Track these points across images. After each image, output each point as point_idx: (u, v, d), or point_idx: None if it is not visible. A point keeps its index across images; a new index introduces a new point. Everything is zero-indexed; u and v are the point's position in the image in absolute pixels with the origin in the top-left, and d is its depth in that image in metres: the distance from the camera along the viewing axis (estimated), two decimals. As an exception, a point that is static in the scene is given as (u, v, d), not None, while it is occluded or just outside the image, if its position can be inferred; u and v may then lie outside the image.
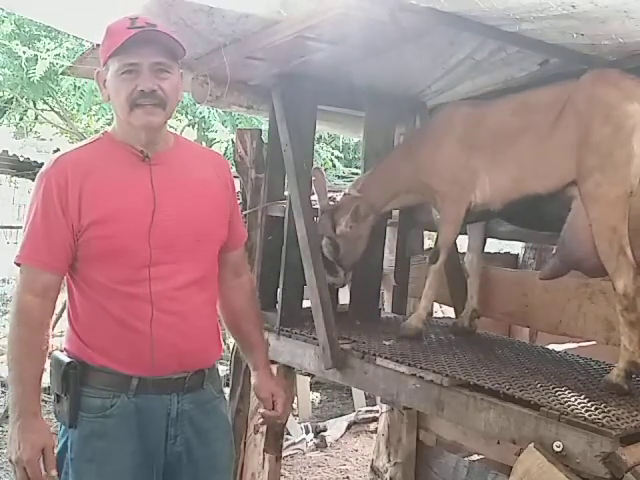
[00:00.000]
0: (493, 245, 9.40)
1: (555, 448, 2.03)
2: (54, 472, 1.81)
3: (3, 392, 5.35)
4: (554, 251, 2.79)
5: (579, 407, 2.13)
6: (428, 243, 5.84)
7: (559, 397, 2.23)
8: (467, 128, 2.86)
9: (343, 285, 3.14)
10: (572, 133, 2.49)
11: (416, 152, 3.01)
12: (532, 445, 2.08)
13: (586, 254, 2.47)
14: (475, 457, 3.66)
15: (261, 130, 3.53)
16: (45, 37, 6.97)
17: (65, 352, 1.93)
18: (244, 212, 3.20)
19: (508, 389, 2.27)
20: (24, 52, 6.66)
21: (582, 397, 2.25)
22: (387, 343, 2.86)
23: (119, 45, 1.79)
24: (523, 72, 2.98)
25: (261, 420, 2.31)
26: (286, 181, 3.15)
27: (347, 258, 3.14)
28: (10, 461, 1.80)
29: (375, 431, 4.66)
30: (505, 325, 4.03)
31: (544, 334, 3.69)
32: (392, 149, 3.39)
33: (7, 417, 5.02)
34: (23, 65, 6.83)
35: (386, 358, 2.64)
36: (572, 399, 2.22)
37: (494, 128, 2.76)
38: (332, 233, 3.09)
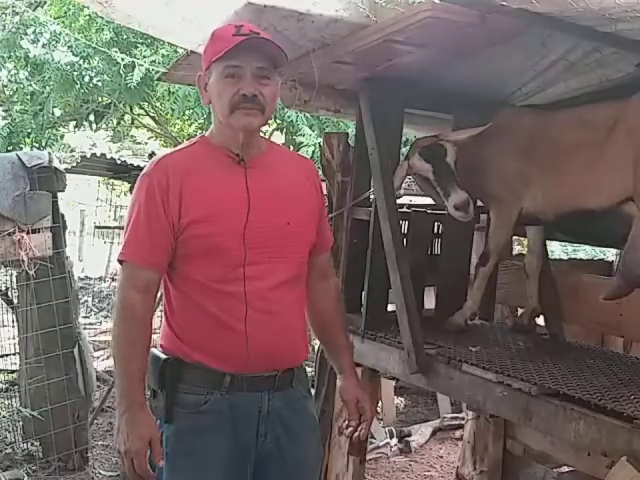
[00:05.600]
0: (586, 251, 9.14)
1: (649, 463, 1.96)
2: (162, 463, 1.85)
3: (99, 386, 5.56)
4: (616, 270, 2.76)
5: (676, 421, 2.05)
6: (518, 249, 5.74)
7: (654, 410, 2.15)
8: (529, 136, 2.89)
9: (471, 213, 2.86)
10: (625, 151, 2.50)
11: (475, 152, 2.97)
12: (624, 458, 2.01)
13: None
14: (564, 469, 3.56)
15: (348, 134, 3.55)
16: (142, 44, 7.20)
17: (161, 348, 1.98)
18: (330, 215, 3.22)
19: (600, 400, 2.21)
20: (122, 59, 6.89)
21: (679, 411, 2.16)
22: (473, 349, 2.83)
23: (227, 50, 1.84)
24: (619, 73, 2.90)
25: (349, 430, 2.22)
26: (372, 184, 3.16)
27: (460, 175, 2.92)
28: (118, 452, 1.85)
29: (460, 438, 4.60)
30: (598, 334, 3.91)
31: (639, 344, 3.56)
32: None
33: (102, 410, 5.24)
34: (121, 71, 7.08)
35: (472, 364, 2.61)
36: (668, 413, 2.13)
37: (553, 140, 2.81)
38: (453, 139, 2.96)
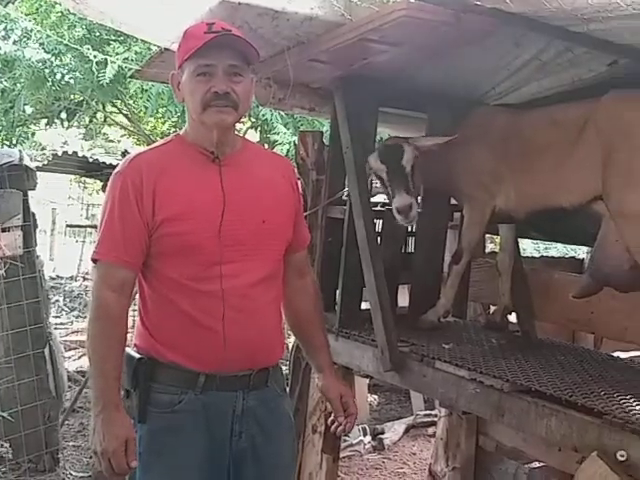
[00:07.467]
0: (557, 249, 9.25)
1: (619, 457, 1.99)
2: (135, 463, 1.84)
3: (70, 387, 5.50)
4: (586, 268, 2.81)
5: (645, 416, 2.08)
6: (490, 247, 5.78)
7: (623, 405, 2.18)
8: (502, 136, 2.92)
9: (411, 218, 2.83)
10: (594, 151, 2.55)
11: (449, 151, 2.97)
12: (595, 454, 2.04)
13: (614, 269, 2.50)
14: (536, 464, 3.59)
15: (322, 132, 3.55)
16: (114, 41, 7.14)
17: (135, 347, 1.97)
18: (305, 213, 3.22)
19: (571, 396, 2.23)
20: (94, 56, 6.81)
21: (648, 406, 2.19)
22: (446, 347, 2.85)
23: (198, 48, 1.83)
24: (591, 73, 2.92)
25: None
26: (346, 183, 3.16)
27: (418, 179, 2.92)
28: (95, 452, 1.83)
29: (433, 435, 4.62)
30: (569, 331, 3.95)
31: (609, 341, 3.61)
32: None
33: (73, 411, 5.18)
34: (93, 69, 7.00)
35: (445, 362, 2.63)
36: (637, 407, 2.17)
37: (526, 139, 2.84)
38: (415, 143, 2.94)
